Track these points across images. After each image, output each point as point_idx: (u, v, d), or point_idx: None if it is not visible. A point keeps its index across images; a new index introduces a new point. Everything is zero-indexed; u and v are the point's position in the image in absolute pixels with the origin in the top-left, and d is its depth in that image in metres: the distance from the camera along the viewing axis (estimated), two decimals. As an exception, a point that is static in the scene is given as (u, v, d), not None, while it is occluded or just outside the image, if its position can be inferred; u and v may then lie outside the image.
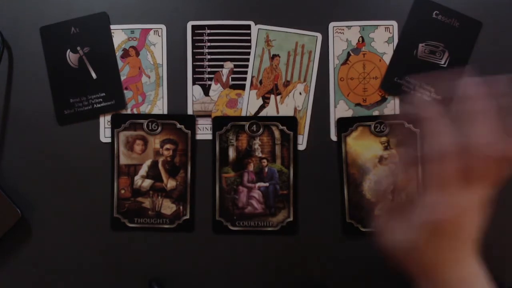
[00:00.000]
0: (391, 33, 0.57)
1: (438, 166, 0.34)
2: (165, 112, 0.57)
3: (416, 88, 0.56)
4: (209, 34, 0.57)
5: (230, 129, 0.56)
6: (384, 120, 0.56)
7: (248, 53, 0.57)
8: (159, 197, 0.56)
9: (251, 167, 0.56)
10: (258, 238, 0.56)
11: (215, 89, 0.57)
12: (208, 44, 0.57)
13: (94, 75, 0.56)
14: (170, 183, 0.56)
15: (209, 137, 0.57)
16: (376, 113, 0.57)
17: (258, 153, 0.56)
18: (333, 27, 0.57)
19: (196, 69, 0.57)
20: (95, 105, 0.56)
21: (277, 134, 0.56)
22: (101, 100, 0.56)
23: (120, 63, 0.57)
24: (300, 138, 0.56)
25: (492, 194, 0.37)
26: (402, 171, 0.40)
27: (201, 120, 0.57)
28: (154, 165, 0.56)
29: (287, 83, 0.57)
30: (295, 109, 0.57)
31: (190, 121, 0.56)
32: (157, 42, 0.57)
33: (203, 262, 0.56)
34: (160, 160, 0.56)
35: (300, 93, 0.57)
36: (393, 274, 0.56)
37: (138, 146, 0.56)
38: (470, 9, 0.56)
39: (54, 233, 0.56)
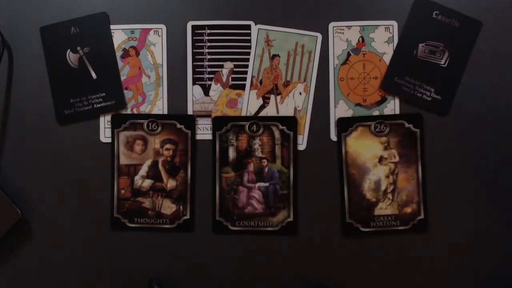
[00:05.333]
0: (391, 33, 0.57)
1: None
2: (165, 112, 0.57)
3: (416, 88, 0.56)
4: (209, 34, 0.57)
5: (230, 129, 0.56)
6: (384, 120, 0.56)
7: (248, 53, 0.57)
8: (159, 197, 0.56)
9: (251, 167, 0.56)
10: (258, 238, 0.56)
11: (215, 89, 0.57)
12: (208, 44, 0.57)
13: (94, 75, 0.56)
14: (170, 183, 0.56)
15: (209, 137, 0.57)
16: (376, 113, 0.57)
17: (258, 153, 0.56)
18: (333, 27, 0.57)
19: (196, 69, 0.57)
20: (95, 105, 0.56)
21: (277, 134, 0.56)
22: (101, 100, 0.56)
23: (120, 63, 0.57)
24: (300, 138, 0.56)
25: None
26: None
27: (201, 120, 0.57)
28: (154, 165, 0.56)
29: (287, 83, 0.57)
30: (295, 109, 0.57)
31: (190, 121, 0.56)
32: (157, 42, 0.57)
33: (203, 262, 0.56)
34: (160, 160, 0.56)
35: (300, 93, 0.57)
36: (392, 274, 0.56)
37: (138, 146, 0.56)
38: (470, 9, 0.56)
39: (54, 233, 0.56)
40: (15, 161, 0.56)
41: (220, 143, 0.56)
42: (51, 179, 0.56)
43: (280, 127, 0.56)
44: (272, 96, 0.57)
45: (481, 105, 0.56)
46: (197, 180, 0.56)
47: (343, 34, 0.57)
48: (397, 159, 0.56)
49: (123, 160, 0.56)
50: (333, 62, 0.57)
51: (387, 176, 0.56)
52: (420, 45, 0.56)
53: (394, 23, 0.57)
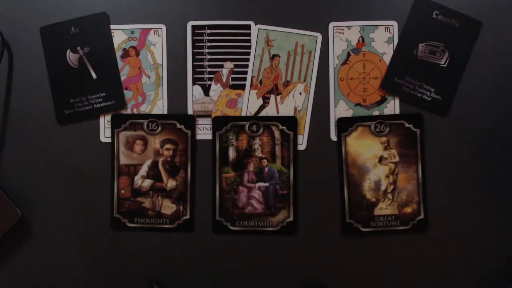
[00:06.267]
0: (391, 33, 0.57)
1: None
2: (165, 112, 0.57)
3: (416, 88, 0.56)
4: (209, 34, 0.57)
5: (230, 129, 0.56)
6: (384, 120, 0.56)
7: (248, 53, 0.57)
8: (159, 197, 0.56)
9: (251, 167, 0.56)
10: (258, 238, 0.56)
11: (215, 89, 0.57)
12: (208, 44, 0.57)
13: (94, 75, 0.56)
14: (170, 183, 0.56)
15: (209, 137, 0.57)
16: (376, 113, 0.57)
17: (258, 153, 0.56)
18: (333, 27, 0.57)
19: (196, 69, 0.57)
20: (95, 105, 0.56)
21: (277, 134, 0.56)
22: (101, 100, 0.56)
23: (120, 63, 0.57)
24: (300, 138, 0.56)
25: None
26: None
27: (201, 120, 0.57)
28: (154, 165, 0.56)
29: (287, 83, 0.57)
30: (295, 109, 0.57)
31: (190, 121, 0.56)
32: (157, 42, 0.57)
33: (203, 262, 0.56)
34: (160, 160, 0.56)
35: (300, 93, 0.57)
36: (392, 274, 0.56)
37: (138, 146, 0.56)
38: (470, 9, 0.56)
39: (54, 233, 0.56)
40: (15, 161, 0.56)
41: (220, 143, 0.56)
42: (51, 179, 0.56)
43: (280, 127, 0.56)
44: (272, 96, 0.57)
45: (481, 105, 0.56)
46: (197, 180, 0.56)
47: (343, 34, 0.57)
48: (397, 159, 0.56)
49: (123, 160, 0.56)
50: (333, 62, 0.57)
51: (387, 176, 0.56)
52: (420, 45, 0.56)
53: (394, 23, 0.57)
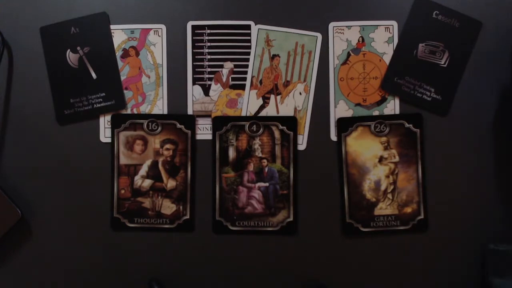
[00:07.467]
0: (391, 33, 0.57)
1: None
2: (165, 112, 0.57)
3: (416, 88, 0.56)
4: (209, 34, 0.57)
5: (230, 129, 0.56)
6: (384, 120, 0.56)
7: (248, 53, 0.57)
8: (159, 197, 0.56)
9: (251, 167, 0.56)
10: (258, 238, 0.56)
11: (215, 89, 0.57)
12: (208, 44, 0.57)
13: (94, 75, 0.56)
14: (170, 183, 0.56)
15: (209, 137, 0.57)
16: (376, 113, 0.57)
17: (258, 153, 0.56)
18: (333, 27, 0.57)
19: (196, 69, 0.57)
20: (95, 105, 0.56)
21: (277, 134, 0.56)
22: (101, 100, 0.56)
23: (120, 63, 0.57)
24: (300, 138, 0.56)
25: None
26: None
27: (201, 120, 0.57)
28: (154, 165, 0.56)
29: (287, 83, 0.57)
30: (295, 109, 0.57)
31: (190, 121, 0.56)
32: (157, 42, 0.57)
33: (203, 262, 0.56)
34: (160, 160, 0.56)
35: (300, 93, 0.57)
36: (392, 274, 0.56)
37: (138, 146, 0.56)
38: (470, 9, 0.56)
39: (54, 233, 0.56)
40: (15, 161, 0.56)
41: (220, 143, 0.56)
42: (51, 179, 0.56)
43: (280, 127, 0.56)
44: (272, 96, 0.57)
45: (481, 105, 0.56)
46: (197, 180, 0.56)
47: (343, 34, 0.57)
48: (397, 159, 0.56)
49: (123, 160, 0.56)
50: (333, 62, 0.57)
51: (387, 176, 0.56)
52: (420, 45, 0.56)
53: (394, 23, 0.57)
